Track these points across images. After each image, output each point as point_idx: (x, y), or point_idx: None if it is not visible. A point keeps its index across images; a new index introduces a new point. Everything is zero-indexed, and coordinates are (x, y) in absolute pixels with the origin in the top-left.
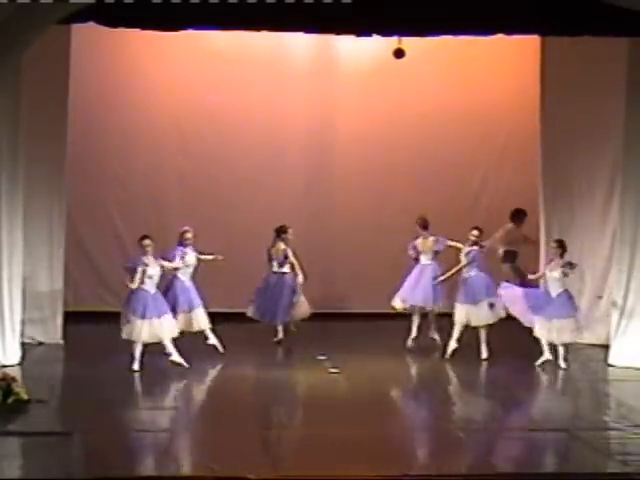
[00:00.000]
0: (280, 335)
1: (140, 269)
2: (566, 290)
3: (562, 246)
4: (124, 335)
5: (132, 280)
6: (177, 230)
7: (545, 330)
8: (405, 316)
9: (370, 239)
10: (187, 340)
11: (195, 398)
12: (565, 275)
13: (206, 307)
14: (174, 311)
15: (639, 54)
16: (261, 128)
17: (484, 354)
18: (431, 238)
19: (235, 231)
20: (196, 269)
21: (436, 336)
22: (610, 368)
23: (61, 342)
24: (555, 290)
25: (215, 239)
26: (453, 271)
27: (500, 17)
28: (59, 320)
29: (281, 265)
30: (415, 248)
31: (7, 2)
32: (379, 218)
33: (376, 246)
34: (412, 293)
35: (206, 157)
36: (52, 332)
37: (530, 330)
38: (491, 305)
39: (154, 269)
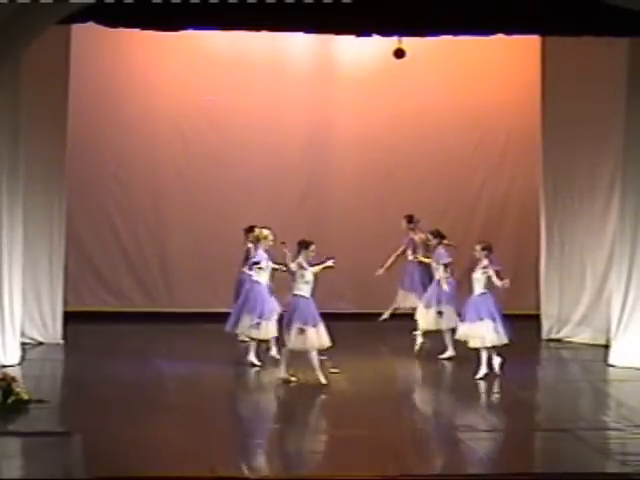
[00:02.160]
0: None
1: (299, 273)
2: (485, 293)
3: (487, 248)
4: (290, 345)
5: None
6: (176, 230)
7: (464, 335)
8: (406, 316)
9: (370, 240)
10: (186, 340)
11: (194, 398)
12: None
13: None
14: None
15: (639, 54)
16: (261, 129)
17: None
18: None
19: (235, 231)
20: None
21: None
22: (610, 368)
23: (61, 342)
24: (476, 291)
25: (214, 239)
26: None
27: (500, 17)
28: (59, 320)
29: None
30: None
31: (7, 2)
32: (379, 219)
33: (376, 247)
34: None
35: (206, 158)
36: (52, 332)
37: (531, 330)
38: (439, 313)
39: (310, 275)
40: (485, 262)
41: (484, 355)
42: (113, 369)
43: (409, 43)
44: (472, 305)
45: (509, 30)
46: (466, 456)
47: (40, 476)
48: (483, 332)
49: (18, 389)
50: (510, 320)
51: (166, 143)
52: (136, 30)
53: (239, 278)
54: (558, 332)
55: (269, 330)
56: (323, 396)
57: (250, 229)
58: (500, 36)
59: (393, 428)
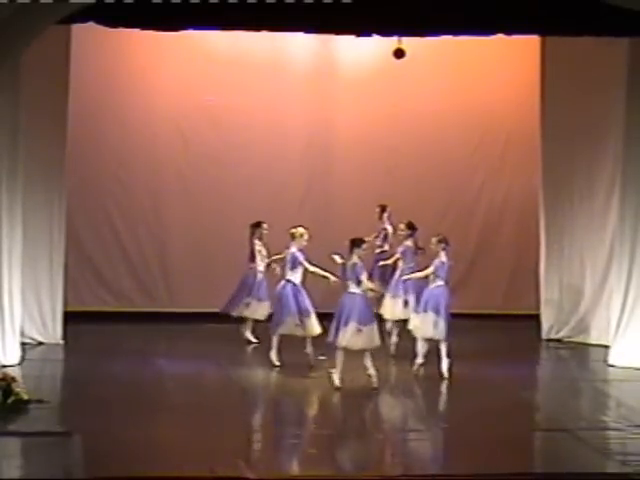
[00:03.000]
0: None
1: (363, 276)
2: (440, 286)
3: (443, 241)
4: (345, 343)
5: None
6: (176, 230)
7: (415, 324)
8: None
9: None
10: (186, 340)
11: (194, 398)
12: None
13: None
14: None
15: (639, 54)
16: (261, 129)
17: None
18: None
19: (235, 232)
20: None
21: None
22: (610, 368)
23: (61, 342)
24: (432, 284)
25: (214, 239)
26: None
27: (500, 17)
28: (59, 320)
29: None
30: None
31: (7, 2)
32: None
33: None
34: None
35: (206, 158)
36: (52, 332)
37: (531, 330)
38: (405, 302)
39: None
40: (442, 255)
41: (420, 345)
42: (113, 369)
43: (409, 43)
44: (423, 297)
45: (509, 30)
46: (466, 455)
47: (40, 476)
48: (425, 324)
49: (18, 389)
50: (510, 320)
51: (166, 143)
52: (136, 30)
53: (246, 274)
54: (558, 332)
55: (314, 327)
56: (322, 396)
57: (257, 225)
58: (500, 36)
59: (393, 428)
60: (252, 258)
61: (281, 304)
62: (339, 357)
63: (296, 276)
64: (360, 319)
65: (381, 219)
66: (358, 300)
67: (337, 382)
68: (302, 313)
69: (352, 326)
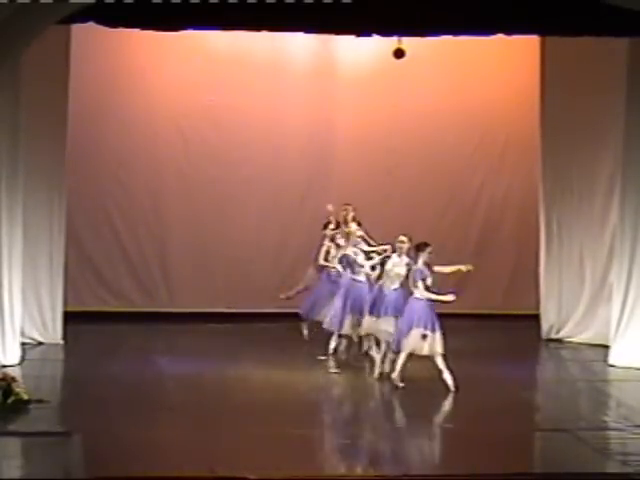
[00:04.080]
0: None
1: (421, 280)
2: (398, 289)
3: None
4: (409, 349)
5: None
6: (176, 231)
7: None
8: None
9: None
10: (186, 340)
11: (195, 398)
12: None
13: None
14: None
15: (639, 54)
16: (261, 129)
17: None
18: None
19: (235, 231)
20: None
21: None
22: (610, 368)
23: (61, 342)
24: (392, 286)
25: (214, 239)
26: None
27: (500, 17)
28: (59, 320)
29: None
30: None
31: (7, 2)
32: (379, 219)
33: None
34: None
35: (206, 158)
36: (52, 332)
37: (531, 330)
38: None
39: (431, 279)
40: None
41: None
42: (113, 369)
43: (409, 43)
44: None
45: (509, 30)
46: (466, 455)
47: (40, 476)
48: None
49: (18, 389)
50: (509, 320)
51: (166, 143)
52: (136, 30)
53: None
54: (558, 332)
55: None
56: (321, 397)
57: (325, 225)
58: (500, 36)
59: (393, 428)
60: (325, 259)
61: (342, 304)
62: (401, 359)
63: (361, 275)
64: (425, 325)
65: (346, 222)
66: (422, 306)
67: (400, 383)
68: (361, 313)
69: (417, 332)
